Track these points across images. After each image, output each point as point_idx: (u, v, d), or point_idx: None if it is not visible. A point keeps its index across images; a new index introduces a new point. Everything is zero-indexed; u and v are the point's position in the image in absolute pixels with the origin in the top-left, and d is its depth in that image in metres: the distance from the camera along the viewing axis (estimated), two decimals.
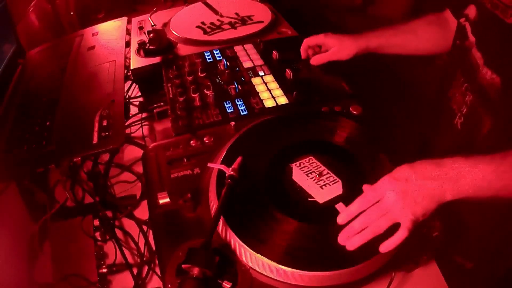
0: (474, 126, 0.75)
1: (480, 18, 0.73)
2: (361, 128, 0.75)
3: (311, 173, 0.66)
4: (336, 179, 0.65)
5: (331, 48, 0.92)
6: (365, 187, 0.60)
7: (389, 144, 0.72)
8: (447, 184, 0.56)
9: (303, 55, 0.98)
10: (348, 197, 0.61)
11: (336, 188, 0.64)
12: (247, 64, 0.99)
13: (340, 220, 0.59)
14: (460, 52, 0.78)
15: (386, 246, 0.55)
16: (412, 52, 0.93)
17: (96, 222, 0.79)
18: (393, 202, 0.56)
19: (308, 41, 0.96)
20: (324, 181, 0.64)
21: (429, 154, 0.89)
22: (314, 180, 0.65)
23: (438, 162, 0.57)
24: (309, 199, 0.63)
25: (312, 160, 0.68)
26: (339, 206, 0.61)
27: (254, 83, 0.92)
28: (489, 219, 0.74)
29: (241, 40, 1.09)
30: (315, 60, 0.94)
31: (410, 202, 0.56)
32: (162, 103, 0.97)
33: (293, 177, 0.66)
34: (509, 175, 0.55)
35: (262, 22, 1.16)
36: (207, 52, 1.04)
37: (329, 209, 0.61)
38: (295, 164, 0.68)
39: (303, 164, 0.68)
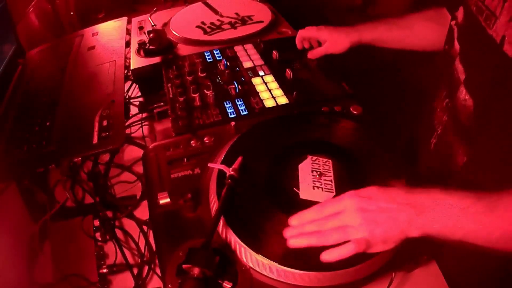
0: (446, 151, 0.69)
1: (465, 23, 0.65)
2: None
3: (316, 171, 0.66)
4: (331, 190, 0.63)
5: (324, 41, 0.93)
6: (327, 199, 0.57)
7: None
8: (412, 212, 0.51)
9: (298, 46, 0.99)
10: None
11: (324, 196, 0.62)
12: (247, 64, 0.99)
13: (293, 222, 0.56)
14: (445, 60, 0.71)
15: (328, 256, 0.52)
16: (408, 47, 0.90)
17: (96, 222, 0.79)
18: (351, 217, 0.53)
19: (302, 33, 0.97)
20: (320, 184, 0.64)
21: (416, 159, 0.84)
22: (313, 178, 0.65)
23: (410, 190, 0.53)
24: (294, 188, 0.63)
25: (329, 163, 0.67)
26: None
27: (254, 83, 0.92)
28: None
29: (241, 40, 1.09)
30: (312, 55, 0.96)
31: (370, 221, 0.52)
32: (162, 103, 0.97)
33: (300, 165, 0.66)
34: (480, 219, 0.48)
35: (262, 22, 1.16)
36: (207, 52, 1.04)
37: None
38: (312, 158, 0.67)
39: (318, 161, 0.67)
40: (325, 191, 0.63)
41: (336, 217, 0.54)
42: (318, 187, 0.63)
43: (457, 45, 0.67)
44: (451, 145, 0.67)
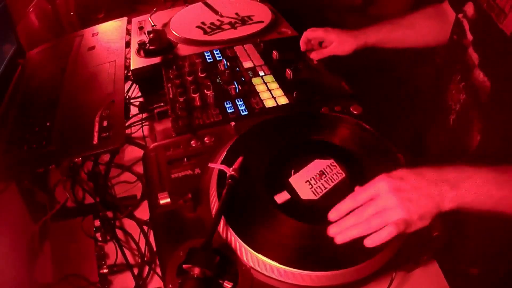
0: (465, 126, 0.74)
1: (477, 18, 0.72)
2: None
3: (320, 170, 0.66)
4: (316, 194, 0.63)
5: (330, 43, 0.93)
6: (357, 187, 0.58)
7: None
8: (445, 186, 0.53)
9: (302, 47, 0.99)
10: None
11: (305, 194, 0.63)
12: (247, 64, 0.99)
13: (332, 216, 0.57)
14: (457, 49, 0.77)
15: (372, 241, 0.53)
16: (411, 45, 0.93)
17: (97, 223, 0.79)
18: (386, 200, 0.54)
19: (308, 34, 0.97)
20: (314, 183, 0.64)
21: (424, 152, 0.90)
22: (313, 175, 0.65)
23: (438, 167, 0.56)
24: (292, 169, 0.65)
25: (340, 176, 0.66)
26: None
27: (254, 83, 0.92)
28: (491, 219, 0.74)
29: (241, 40, 1.09)
30: (315, 55, 0.96)
31: (404, 200, 0.53)
32: (162, 103, 0.97)
33: (317, 160, 0.67)
34: (508, 187, 0.53)
35: (262, 22, 1.16)
36: (207, 52, 1.04)
37: (330, 209, 0.61)
38: (332, 162, 0.67)
39: (335, 169, 0.67)
40: (311, 190, 0.63)
41: (372, 203, 0.55)
42: (309, 184, 0.64)
43: (469, 36, 0.73)
44: (471, 119, 0.72)
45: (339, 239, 0.55)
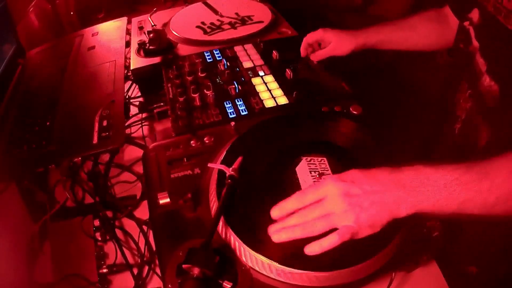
0: (471, 133, 0.72)
1: (483, 23, 0.71)
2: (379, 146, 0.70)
3: (314, 171, 0.66)
4: None
5: (329, 43, 0.93)
6: (308, 186, 0.56)
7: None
8: (401, 191, 0.49)
9: (303, 53, 0.99)
10: None
11: None
12: (247, 64, 0.99)
13: (274, 214, 0.55)
14: (464, 57, 0.76)
15: (312, 248, 0.51)
16: (411, 48, 0.92)
17: (96, 222, 0.79)
18: (335, 204, 0.51)
19: (308, 39, 0.97)
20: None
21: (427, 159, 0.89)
22: (313, 179, 0.65)
23: (394, 169, 0.51)
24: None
25: (324, 161, 0.67)
26: None
27: (254, 83, 0.92)
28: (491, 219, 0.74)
29: (241, 40, 1.09)
30: (315, 57, 0.96)
31: (355, 207, 0.50)
32: (162, 103, 0.97)
33: (297, 168, 0.66)
34: (473, 187, 0.47)
35: (262, 22, 1.16)
36: (207, 52, 1.04)
37: None
38: (306, 158, 0.67)
39: (313, 161, 0.67)
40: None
41: (319, 205, 0.52)
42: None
43: (475, 43, 0.71)
44: (476, 127, 0.70)
45: (276, 238, 0.53)
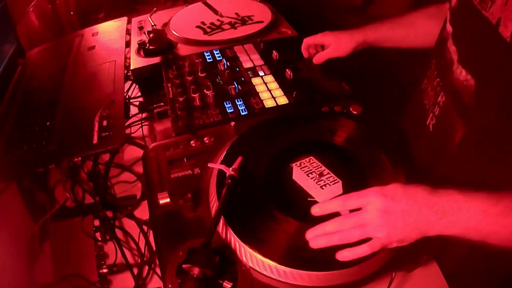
0: (447, 131, 0.69)
1: (458, 7, 0.66)
2: (361, 128, 0.74)
3: (311, 173, 0.66)
4: (336, 179, 0.65)
5: (329, 46, 0.93)
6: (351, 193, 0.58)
7: (388, 144, 0.71)
8: (433, 216, 0.51)
9: (304, 54, 0.99)
10: None
11: (336, 188, 0.63)
12: (247, 64, 0.99)
13: (314, 211, 0.58)
14: (437, 41, 0.73)
15: (343, 255, 0.54)
16: (411, 45, 0.90)
17: (96, 222, 0.79)
18: (372, 217, 0.53)
19: (308, 40, 0.97)
20: (325, 181, 0.64)
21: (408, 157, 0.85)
22: (315, 180, 0.65)
23: (432, 191, 0.53)
24: (309, 199, 0.62)
25: (313, 160, 0.68)
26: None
27: (254, 83, 0.92)
28: None
29: (241, 40, 1.09)
30: (316, 59, 0.95)
31: (390, 224, 0.53)
32: (162, 103, 0.97)
33: (294, 177, 0.66)
34: (499, 221, 0.49)
35: (262, 22, 1.16)
36: (207, 52, 1.04)
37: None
38: (296, 164, 0.68)
39: (304, 164, 0.68)
40: (333, 184, 0.64)
41: (357, 214, 0.55)
42: (325, 185, 0.64)
43: (449, 27, 0.68)
44: (452, 124, 0.68)
45: (314, 244, 0.55)
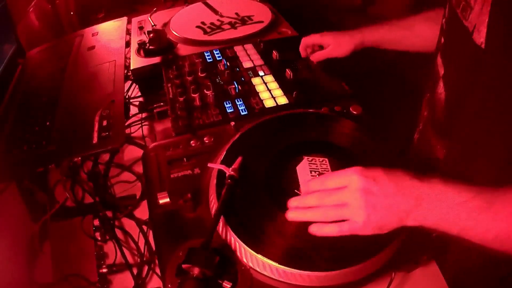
0: (426, 147, 0.68)
1: (447, 18, 0.64)
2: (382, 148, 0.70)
3: (315, 171, 0.66)
4: None
5: (328, 46, 0.93)
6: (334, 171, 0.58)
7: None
8: (412, 202, 0.50)
9: (302, 54, 0.99)
10: None
11: None
12: (247, 64, 0.99)
13: (302, 190, 0.59)
14: (431, 55, 0.72)
15: (313, 229, 0.54)
16: (409, 48, 0.90)
17: (96, 222, 0.79)
18: (353, 196, 0.52)
19: (306, 40, 0.97)
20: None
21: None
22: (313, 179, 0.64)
23: (414, 177, 0.52)
24: (295, 190, 0.63)
25: (326, 162, 0.67)
26: None
27: (254, 83, 0.92)
28: None
29: (241, 40, 1.09)
30: (314, 57, 0.96)
31: (369, 205, 0.51)
32: (162, 103, 0.97)
33: (297, 167, 0.66)
34: (477, 214, 0.47)
35: (262, 22, 1.16)
36: (207, 52, 1.04)
37: None
38: (308, 158, 0.67)
39: (315, 161, 0.67)
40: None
41: (337, 192, 0.54)
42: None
43: (442, 40, 0.67)
44: (430, 140, 0.67)
45: (290, 216, 0.57)
